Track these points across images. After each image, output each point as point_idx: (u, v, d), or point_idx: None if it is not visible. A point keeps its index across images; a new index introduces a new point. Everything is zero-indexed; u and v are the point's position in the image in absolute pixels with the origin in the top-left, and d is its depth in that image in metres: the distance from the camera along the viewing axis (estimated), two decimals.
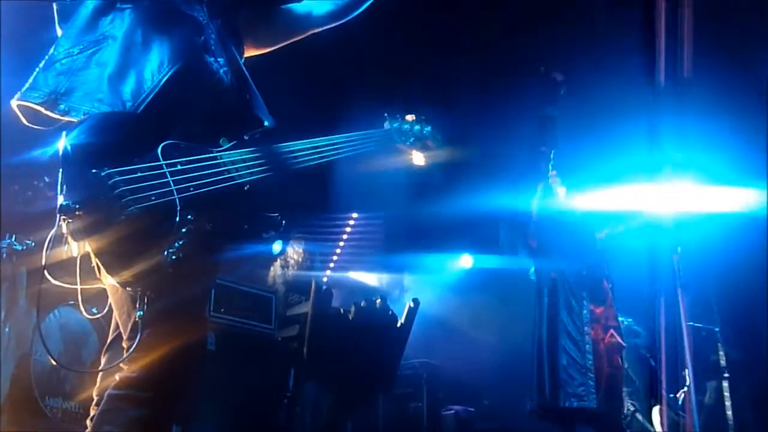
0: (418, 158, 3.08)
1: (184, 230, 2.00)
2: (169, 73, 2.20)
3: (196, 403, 4.04)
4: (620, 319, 6.14)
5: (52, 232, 1.99)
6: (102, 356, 2.29)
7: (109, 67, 2.17)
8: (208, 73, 2.32)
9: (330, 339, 4.91)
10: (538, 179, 4.84)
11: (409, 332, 5.35)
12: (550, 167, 4.83)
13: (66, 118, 2.10)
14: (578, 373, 4.35)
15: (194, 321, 2.13)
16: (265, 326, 4.91)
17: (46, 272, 2.03)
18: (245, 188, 2.21)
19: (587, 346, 4.39)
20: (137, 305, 1.98)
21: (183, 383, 2.09)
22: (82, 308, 2.20)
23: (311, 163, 2.44)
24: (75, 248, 2.04)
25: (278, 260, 6.11)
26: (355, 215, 9.05)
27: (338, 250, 9.12)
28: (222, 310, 4.57)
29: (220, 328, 4.47)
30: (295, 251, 6.16)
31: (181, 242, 1.98)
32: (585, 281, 4.57)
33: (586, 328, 4.42)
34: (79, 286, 2.10)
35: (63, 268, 2.11)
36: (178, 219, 1.99)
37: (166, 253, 1.96)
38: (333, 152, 2.53)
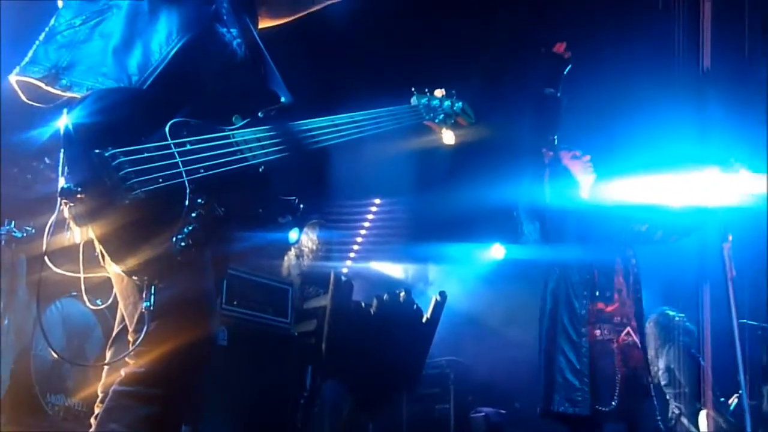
0: (448, 137, 3.05)
1: (193, 215, 2.00)
2: (179, 45, 2.18)
3: (207, 401, 4.09)
4: (671, 313, 6.08)
5: (53, 217, 1.99)
6: (107, 350, 2.30)
7: (113, 38, 2.16)
8: (220, 45, 2.30)
9: (350, 335, 4.92)
10: (544, 165, 4.79)
11: (436, 328, 5.34)
12: (552, 153, 4.77)
13: (68, 94, 2.09)
14: (575, 377, 4.35)
15: (205, 313, 2.12)
16: (281, 320, 4.94)
17: (47, 259, 2.03)
18: (260, 170, 2.19)
19: (583, 349, 4.37)
20: (144, 295, 1.98)
21: (193, 380, 2.08)
22: (85, 298, 2.20)
23: (331, 142, 2.41)
24: (77, 234, 2.04)
25: (294, 249, 6.12)
26: (377, 201, 9.03)
27: (359, 239, 9.07)
28: (235, 302, 4.61)
29: (233, 322, 4.52)
30: (312, 240, 6.15)
31: (190, 228, 1.98)
32: (590, 278, 4.53)
33: (583, 330, 4.40)
34: (82, 275, 2.11)
35: (65, 255, 2.11)
36: (187, 203, 1.98)
37: (174, 239, 1.96)
38: (354, 131, 2.50)
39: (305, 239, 6.13)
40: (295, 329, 5.04)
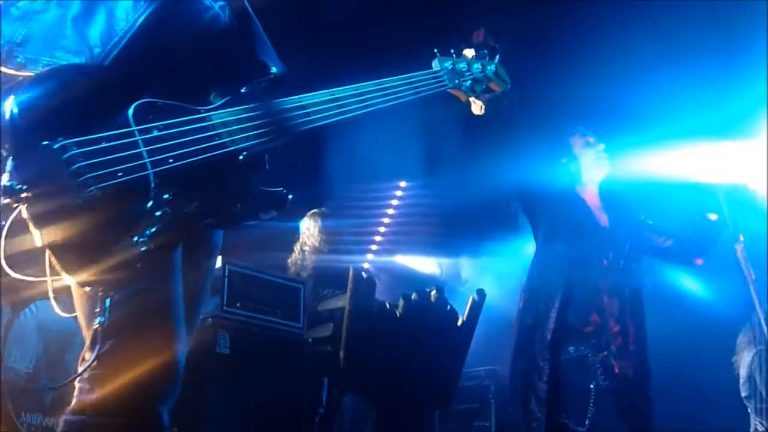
0: (477, 107, 2.97)
1: (158, 214, 1.97)
2: (149, 10, 2.17)
3: (207, 417, 4.08)
4: None
5: (13, 215, 1.97)
6: (78, 364, 2.27)
7: (73, 6, 2.15)
8: (199, 8, 2.28)
9: (373, 340, 4.88)
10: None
11: (473, 333, 5.29)
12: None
13: (23, 73, 2.08)
14: (537, 407, 4.37)
15: (169, 328, 2.10)
16: (292, 324, 4.92)
17: (4, 264, 2.01)
18: (240, 158, 2.16)
19: (545, 376, 4.38)
20: (98, 309, 1.97)
21: (154, 406, 2.06)
22: (54, 305, 2.18)
23: (328, 121, 2.35)
24: (38, 236, 2.01)
25: (296, 246, 6.10)
26: (402, 184, 9.02)
27: (382, 229, 9.07)
28: (237, 303, 4.59)
29: (236, 326, 4.50)
30: (312, 234, 6.12)
31: (153, 230, 1.95)
32: (565, 293, 4.49)
33: (545, 353, 4.40)
34: (49, 279, 2.08)
35: (32, 257, 2.08)
36: (151, 200, 1.96)
37: (134, 243, 1.93)
38: (359, 106, 2.43)
39: (306, 233, 6.10)
40: (308, 335, 5.02)
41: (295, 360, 4.82)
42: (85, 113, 1.98)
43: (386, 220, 9.11)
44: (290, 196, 2.21)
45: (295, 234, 6.29)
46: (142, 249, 1.93)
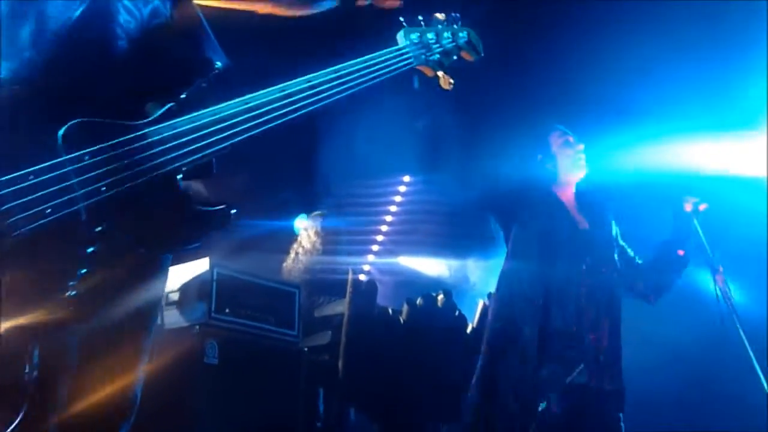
0: (445, 81, 2.82)
1: (90, 251, 1.90)
2: (83, 7, 2.09)
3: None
4: None
5: None
6: None
7: (2, 5, 2.06)
8: (137, 3, 2.20)
9: (374, 349, 4.91)
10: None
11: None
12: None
13: None
14: None
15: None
16: (286, 332, 4.86)
17: None
18: (178, 177, 2.08)
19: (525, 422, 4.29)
20: (27, 358, 1.88)
21: None
22: None
23: (278, 122, 2.23)
24: None
25: (299, 245, 6.06)
26: (406, 179, 9.02)
27: (384, 228, 9.10)
28: (227, 310, 4.53)
29: (225, 335, 4.46)
30: (309, 237, 6.09)
31: (84, 271, 1.88)
32: (538, 305, 4.41)
33: (526, 377, 4.32)
34: None
35: None
36: (81, 237, 1.90)
37: (66, 286, 1.85)
38: (313, 99, 2.31)
39: (302, 235, 6.06)
40: (304, 343, 4.97)
41: (290, 370, 4.76)
42: (15, 142, 1.90)
43: (388, 219, 9.12)
44: (233, 211, 2.13)
45: (290, 235, 6.26)
46: (71, 294, 1.86)
